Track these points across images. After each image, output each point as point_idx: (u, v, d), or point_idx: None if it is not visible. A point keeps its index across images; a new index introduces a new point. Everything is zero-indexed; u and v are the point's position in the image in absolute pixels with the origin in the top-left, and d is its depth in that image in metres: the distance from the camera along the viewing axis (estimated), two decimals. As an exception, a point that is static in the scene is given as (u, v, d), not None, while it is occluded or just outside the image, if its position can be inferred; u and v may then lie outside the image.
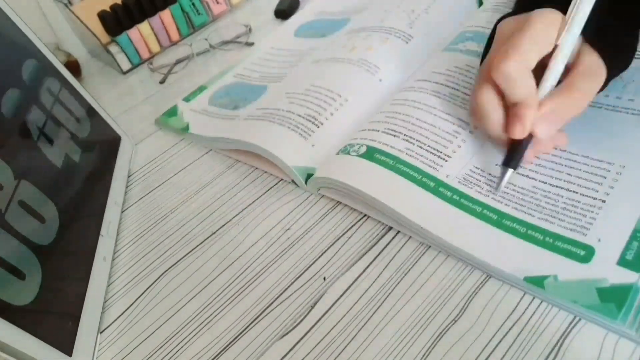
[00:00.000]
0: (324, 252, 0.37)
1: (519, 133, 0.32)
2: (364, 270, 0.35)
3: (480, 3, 0.54)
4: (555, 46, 0.32)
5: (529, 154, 0.34)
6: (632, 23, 0.35)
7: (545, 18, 0.32)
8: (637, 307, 0.27)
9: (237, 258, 0.38)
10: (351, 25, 0.57)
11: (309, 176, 0.41)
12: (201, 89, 0.58)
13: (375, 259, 0.35)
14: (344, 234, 0.38)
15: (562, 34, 0.32)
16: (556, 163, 0.35)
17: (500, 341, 0.29)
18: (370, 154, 0.39)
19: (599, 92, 0.33)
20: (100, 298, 0.38)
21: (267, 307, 0.35)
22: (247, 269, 0.37)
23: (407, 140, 0.39)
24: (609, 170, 0.34)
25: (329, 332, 0.32)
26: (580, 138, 0.36)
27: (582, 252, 0.30)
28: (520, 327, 0.29)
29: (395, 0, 0.55)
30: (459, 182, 0.36)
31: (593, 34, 0.33)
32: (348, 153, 0.40)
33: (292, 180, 0.43)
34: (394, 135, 0.40)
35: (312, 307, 0.34)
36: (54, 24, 0.72)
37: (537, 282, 0.30)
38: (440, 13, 0.53)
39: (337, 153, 0.41)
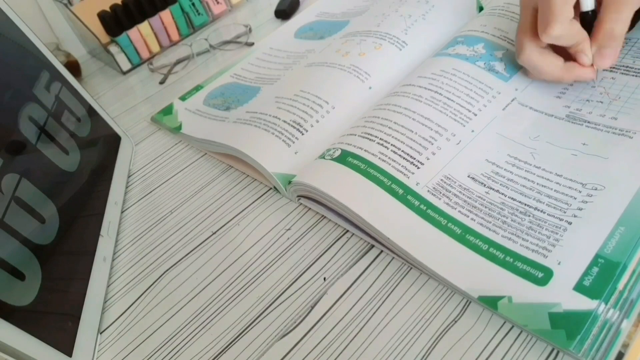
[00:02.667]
0: (324, 252, 0.37)
1: (586, 61, 0.38)
2: (364, 271, 0.35)
3: (481, 8, 0.54)
4: None
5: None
6: None
7: None
8: (595, 336, 0.26)
9: (237, 258, 0.38)
10: (349, 28, 0.57)
11: (290, 184, 0.41)
12: (197, 88, 0.58)
13: (375, 259, 0.35)
14: (343, 234, 0.38)
15: None
16: (528, 180, 0.35)
17: (496, 346, 0.29)
18: (344, 157, 0.38)
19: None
20: (100, 298, 0.38)
21: (267, 308, 0.35)
22: (247, 269, 0.37)
23: (381, 145, 0.38)
24: (580, 192, 0.33)
25: (329, 333, 0.32)
26: (555, 155, 0.36)
27: (540, 275, 0.29)
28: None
29: (394, 4, 0.55)
30: (428, 191, 0.35)
31: None
32: (324, 157, 0.40)
33: (274, 187, 0.43)
34: (370, 139, 0.39)
35: (312, 307, 0.34)
36: (54, 24, 0.72)
37: (491, 302, 0.29)
38: (438, 19, 0.52)
39: (315, 159, 0.41)
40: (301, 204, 0.41)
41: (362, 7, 0.61)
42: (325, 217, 0.39)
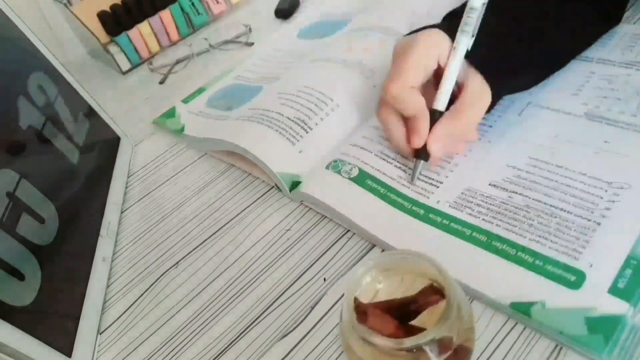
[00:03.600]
0: (324, 253, 0.37)
1: (417, 142, 0.36)
2: (364, 271, 0.35)
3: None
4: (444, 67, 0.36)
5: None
6: (524, 43, 0.37)
7: (429, 40, 0.36)
8: (624, 341, 0.26)
9: (237, 259, 0.38)
10: (352, 25, 0.57)
11: (294, 183, 0.40)
12: (200, 90, 0.58)
13: (375, 260, 0.35)
14: (344, 234, 0.38)
15: (449, 57, 0.36)
16: (551, 180, 0.34)
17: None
18: (362, 179, 0.38)
19: (488, 112, 0.36)
20: (99, 299, 0.38)
21: (267, 308, 0.34)
22: (247, 270, 0.37)
23: (399, 168, 0.38)
24: (606, 191, 0.32)
25: (329, 333, 0.32)
26: (577, 153, 0.35)
27: (573, 278, 0.29)
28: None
29: (396, 2, 0.55)
30: (449, 206, 0.35)
31: (478, 58, 0.36)
32: (339, 172, 0.39)
33: (276, 186, 0.42)
34: (387, 161, 0.39)
35: (313, 308, 0.34)
36: (54, 24, 0.72)
37: (524, 308, 0.28)
38: (443, 15, 0.52)
39: (327, 167, 0.40)
40: (302, 202, 0.41)
41: (364, 7, 0.61)
42: (325, 217, 0.39)
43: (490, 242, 0.32)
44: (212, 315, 0.35)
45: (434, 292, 0.26)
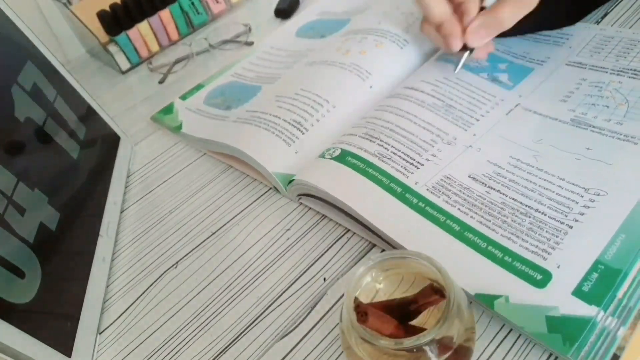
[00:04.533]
0: (324, 252, 0.37)
1: (454, 46, 0.41)
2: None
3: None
4: None
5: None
6: None
7: None
8: (592, 343, 0.26)
9: (237, 258, 0.38)
10: (350, 26, 0.57)
11: (290, 182, 0.40)
12: (198, 87, 0.58)
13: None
14: (344, 234, 0.38)
15: None
16: (530, 182, 0.34)
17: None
18: (343, 156, 0.39)
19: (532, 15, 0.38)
20: (99, 298, 0.38)
21: (267, 308, 0.34)
22: (247, 270, 0.37)
23: (381, 146, 0.39)
24: (582, 196, 0.33)
25: (329, 333, 0.32)
26: (559, 158, 0.35)
27: (539, 277, 0.29)
28: None
29: (395, 1, 0.55)
30: (427, 189, 0.35)
31: None
32: (323, 156, 0.40)
33: (274, 187, 0.42)
34: (370, 140, 0.39)
35: (312, 307, 0.34)
36: (53, 23, 0.72)
37: (488, 300, 0.29)
38: None
39: (316, 157, 0.41)
40: (301, 203, 0.41)
41: (363, 6, 0.61)
42: (325, 217, 0.39)
43: (462, 233, 0.33)
44: (212, 315, 0.35)
45: (434, 292, 0.26)
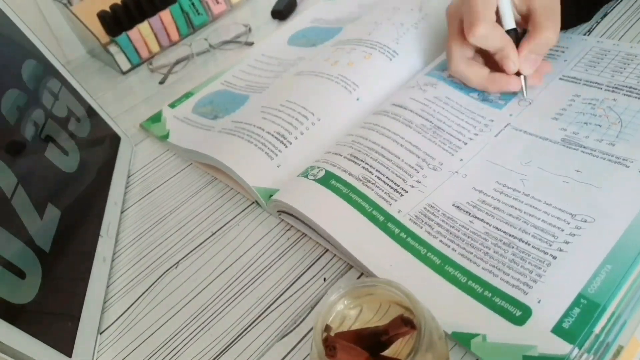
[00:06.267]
0: (324, 252, 0.37)
1: (512, 68, 0.40)
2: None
3: None
4: None
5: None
6: None
7: None
8: None
9: (237, 259, 0.38)
10: (341, 36, 0.56)
11: (271, 197, 0.40)
12: (187, 95, 0.57)
13: (375, 260, 0.35)
14: (344, 234, 0.38)
15: None
16: (515, 208, 0.33)
17: None
18: (327, 179, 0.38)
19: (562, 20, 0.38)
20: (100, 299, 0.38)
21: (267, 308, 0.34)
22: (247, 270, 0.37)
23: (366, 169, 0.38)
24: (569, 223, 0.31)
25: (329, 333, 0.32)
26: (546, 182, 0.34)
27: (518, 313, 0.28)
28: None
29: (387, 12, 0.53)
30: (409, 219, 0.34)
31: None
32: (307, 176, 0.39)
33: (256, 201, 0.42)
34: (355, 162, 0.38)
35: (312, 308, 0.34)
36: (53, 23, 0.72)
37: (464, 339, 0.28)
38: (430, 28, 0.50)
39: (298, 175, 0.40)
40: (282, 220, 0.40)
41: (356, 14, 0.60)
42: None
43: (442, 266, 0.31)
44: (212, 315, 0.35)
45: (404, 324, 0.25)
